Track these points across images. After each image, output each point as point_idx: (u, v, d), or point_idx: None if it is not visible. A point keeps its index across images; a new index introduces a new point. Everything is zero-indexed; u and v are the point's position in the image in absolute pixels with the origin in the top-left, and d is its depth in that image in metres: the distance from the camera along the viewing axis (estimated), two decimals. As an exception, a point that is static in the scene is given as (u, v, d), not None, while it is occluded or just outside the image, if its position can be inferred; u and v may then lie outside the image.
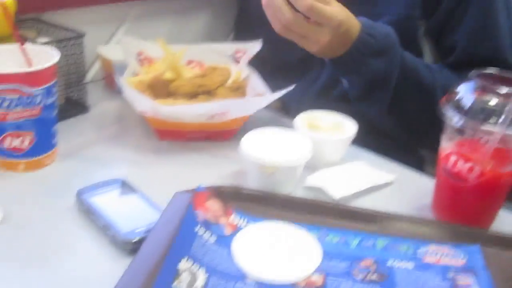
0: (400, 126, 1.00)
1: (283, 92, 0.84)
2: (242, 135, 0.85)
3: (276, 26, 0.82)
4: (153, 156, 0.84)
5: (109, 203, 0.68)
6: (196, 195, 0.65)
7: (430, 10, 0.96)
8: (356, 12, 0.86)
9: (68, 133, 0.86)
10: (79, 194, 0.69)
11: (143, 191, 0.71)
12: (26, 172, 0.76)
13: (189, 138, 0.87)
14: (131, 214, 0.66)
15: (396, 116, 0.96)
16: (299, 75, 1.07)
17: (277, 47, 0.95)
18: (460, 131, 0.67)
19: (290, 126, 0.82)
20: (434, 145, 0.80)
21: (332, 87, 1.02)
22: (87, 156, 0.83)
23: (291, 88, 0.84)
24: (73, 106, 0.96)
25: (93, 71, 1.14)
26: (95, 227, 0.65)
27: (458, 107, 0.67)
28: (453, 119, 0.67)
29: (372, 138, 0.89)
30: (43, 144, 0.77)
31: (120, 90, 1.01)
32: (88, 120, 0.95)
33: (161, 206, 0.67)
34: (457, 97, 0.68)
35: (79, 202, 0.68)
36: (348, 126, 0.84)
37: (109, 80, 1.07)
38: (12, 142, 0.74)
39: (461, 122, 0.66)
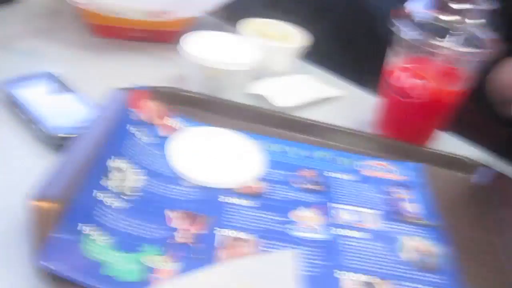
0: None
1: (230, -6, 0.79)
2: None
3: None
4: (87, 52, 0.78)
5: (37, 97, 0.62)
6: (132, 94, 0.61)
7: None
8: None
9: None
10: (4, 86, 0.63)
11: (75, 88, 0.66)
12: None
13: (127, 36, 0.81)
14: (61, 110, 0.62)
15: None
16: None
17: None
18: (409, 46, 0.65)
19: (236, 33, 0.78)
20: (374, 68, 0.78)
21: (278, 1, 0.97)
22: (13, 48, 0.76)
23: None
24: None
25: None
26: (20, 121, 0.60)
27: (410, 21, 0.65)
28: (405, 32, 0.65)
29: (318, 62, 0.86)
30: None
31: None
32: (15, 11, 0.87)
33: (94, 104, 0.63)
34: (410, 12, 0.66)
35: (3, 93, 0.62)
36: (299, 37, 0.81)
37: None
38: None
39: (412, 35, 0.64)
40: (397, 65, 0.67)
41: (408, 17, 0.66)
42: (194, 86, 0.70)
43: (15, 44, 0.77)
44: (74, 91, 0.65)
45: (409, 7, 0.66)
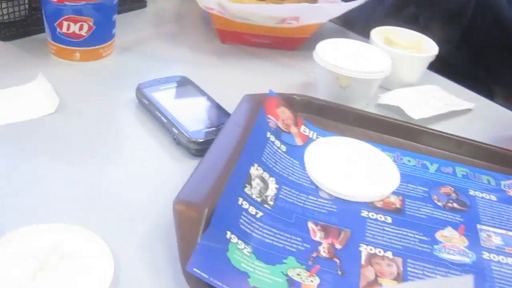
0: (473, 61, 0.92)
1: (360, 1, 0.77)
2: (308, 46, 0.79)
3: None
4: (215, 58, 0.79)
5: (172, 100, 0.63)
6: (268, 100, 0.60)
7: None
8: None
9: (125, 27, 0.81)
10: (140, 87, 0.64)
11: (207, 92, 0.66)
12: (82, 62, 0.72)
13: (253, 43, 0.81)
14: (196, 113, 0.62)
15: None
16: None
17: None
18: None
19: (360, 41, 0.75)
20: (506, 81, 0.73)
21: (402, 8, 0.94)
22: (145, 52, 0.78)
23: (366, -1, 0.77)
24: (130, 0, 0.90)
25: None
26: (157, 123, 0.61)
27: None
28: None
29: (442, 72, 0.81)
30: (102, 33, 0.72)
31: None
32: (146, 16, 0.89)
33: (227, 108, 0.62)
34: None
35: (140, 96, 0.63)
36: (428, 45, 0.77)
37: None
38: (69, 27, 0.69)
39: None
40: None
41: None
42: (325, 94, 0.68)
43: (145, 48, 0.79)
44: (208, 95, 0.65)
45: None
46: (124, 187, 0.52)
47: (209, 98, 0.64)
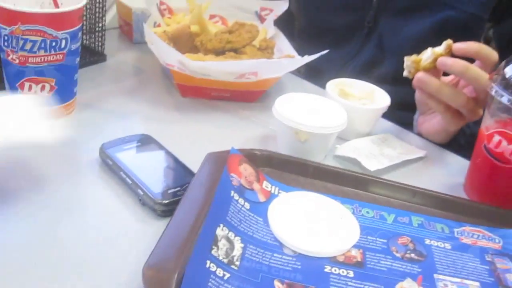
0: None
1: (316, 55, 0.80)
2: (267, 98, 0.82)
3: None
4: (176, 112, 0.80)
5: (135, 160, 0.64)
6: (230, 158, 0.62)
7: (500, 15, 0.92)
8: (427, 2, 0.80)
9: (86, 82, 0.82)
10: (104, 148, 0.65)
11: (170, 150, 0.67)
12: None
13: (213, 96, 0.83)
14: (161, 173, 0.63)
15: None
16: (335, 46, 1.03)
17: (316, 13, 0.90)
18: (507, 109, 0.64)
19: (316, 92, 0.79)
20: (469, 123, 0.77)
21: (374, 67, 0.98)
22: (106, 108, 0.79)
23: (324, 52, 0.80)
24: (90, 55, 0.91)
25: (108, 18, 1.09)
26: (122, 184, 0.62)
27: (507, 86, 0.64)
28: (502, 96, 0.64)
29: (404, 114, 0.85)
30: (64, 92, 0.72)
31: (138, 40, 0.97)
32: (105, 70, 0.90)
33: (190, 165, 0.64)
34: (507, 75, 0.65)
35: (104, 156, 0.64)
36: (381, 97, 0.81)
37: (126, 29, 1.02)
38: (31, 87, 0.69)
39: (510, 99, 0.63)
40: (494, 128, 0.66)
41: (505, 80, 0.65)
42: (284, 148, 0.71)
43: (107, 105, 0.80)
44: (171, 153, 0.66)
45: (508, 70, 0.65)
46: (90, 252, 0.53)
47: (173, 157, 0.66)
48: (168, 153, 0.66)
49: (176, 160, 0.65)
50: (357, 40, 1.00)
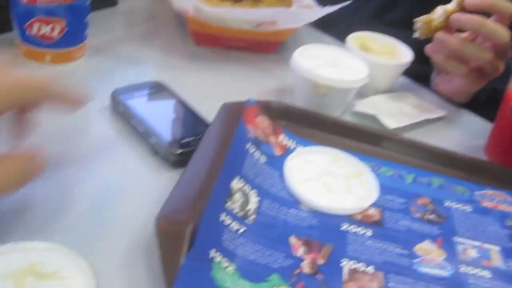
0: None
1: (337, 6, 0.76)
2: (283, 49, 0.79)
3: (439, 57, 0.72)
4: (190, 61, 0.78)
5: (148, 107, 0.62)
6: (247, 109, 0.59)
7: None
8: None
9: (96, 26, 0.78)
10: (115, 94, 0.62)
11: (184, 99, 0.64)
12: (53, 65, 0.69)
13: (228, 45, 0.80)
14: (174, 121, 0.61)
15: None
16: None
17: None
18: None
19: (333, 44, 0.75)
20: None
21: (388, 10, 0.94)
22: (117, 54, 0.76)
23: (346, 3, 0.76)
24: (100, -2, 0.87)
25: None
26: (133, 132, 0.59)
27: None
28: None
29: (425, 69, 0.82)
30: (74, 35, 0.69)
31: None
32: (116, 15, 0.87)
33: (204, 115, 0.61)
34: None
35: (115, 103, 0.62)
36: (403, 52, 0.77)
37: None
38: (41, 28, 0.67)
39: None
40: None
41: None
42: (302, 101, 0.68)
43: (118, 50, 0.77)
44: (185, 102, 0.64)
45: None
46: (102, 202, 0.51)
47: (186, 106, 0.63)
48: (182, 102, 0.64)
49: (189, 110, 0.63)
50: None
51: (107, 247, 0.46)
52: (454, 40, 0.68)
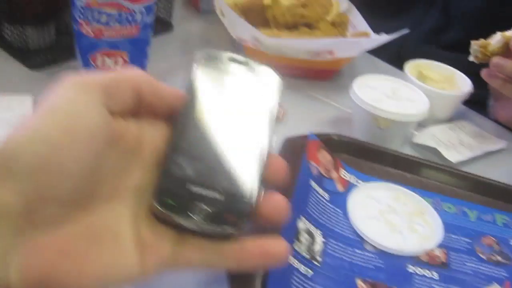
0: None
1: (395, 35, 0.76)
2: (339, 77, 0.78)
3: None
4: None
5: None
6: (308, 144, 0.59)
7: None
8: None
9: (154, 53, 0.80)
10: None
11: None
12: (115, 94, 0.71)
13: (283, 73, 0.80)
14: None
15: None
16: (397, 13, 0.98)
17: None
18: None
19: (388, 69, 0.75)
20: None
21: (441, 32, 0.93)
22: (174, 82, 0.76)
23: (405, 32, 0.76)
24: (157, 24, 0.88)
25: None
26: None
27: None
28: None
29: (481, 94, 0.81)
30: (135, 64, 0.71)
31: (204, 9, 0.94)
32: (172, 41, 0.88)
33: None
34: None
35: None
36: (461, 81, 0.76)
37: (193, -2, 0.99)
38: (104, 61, 0.68)
39: None
40: None
41: None
42: (362, 134, 0.68)
43: (177, 78, 0.78)
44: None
45: None
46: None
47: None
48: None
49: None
50: (421, 5, 0.95)
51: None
52: (511, 65, 0.67)
